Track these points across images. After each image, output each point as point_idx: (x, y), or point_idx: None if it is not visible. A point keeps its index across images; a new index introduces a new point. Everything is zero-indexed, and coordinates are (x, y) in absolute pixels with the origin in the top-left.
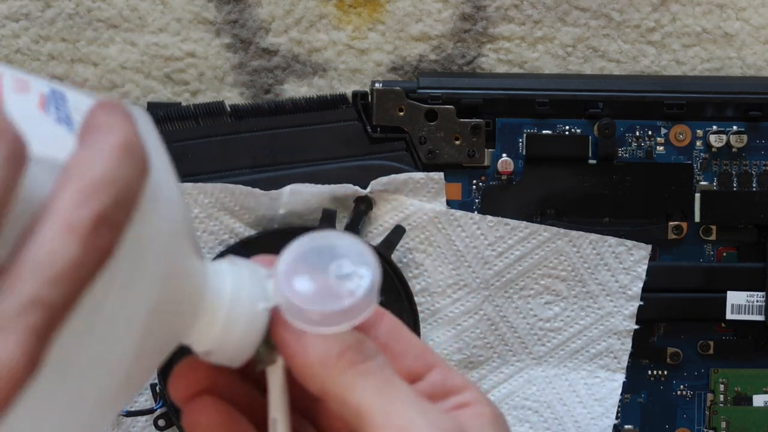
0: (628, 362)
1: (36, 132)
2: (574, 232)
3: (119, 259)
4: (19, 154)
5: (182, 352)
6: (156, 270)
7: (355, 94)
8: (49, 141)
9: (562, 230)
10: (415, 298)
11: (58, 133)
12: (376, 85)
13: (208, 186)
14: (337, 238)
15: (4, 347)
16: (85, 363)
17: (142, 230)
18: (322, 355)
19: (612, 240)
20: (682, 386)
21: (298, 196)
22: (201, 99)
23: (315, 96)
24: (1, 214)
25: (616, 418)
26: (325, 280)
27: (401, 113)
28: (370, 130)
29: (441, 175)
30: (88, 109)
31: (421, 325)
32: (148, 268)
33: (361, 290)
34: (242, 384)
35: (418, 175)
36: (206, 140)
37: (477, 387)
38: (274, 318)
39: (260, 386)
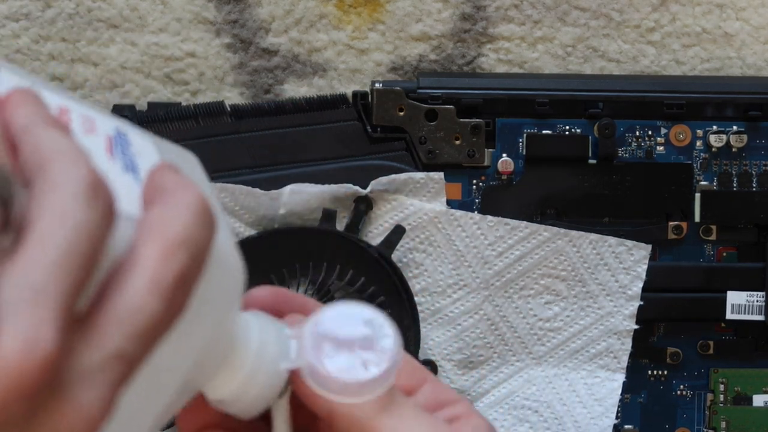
0: (628, 362)
1: (109, 183)
2: (574, 232)
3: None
4: (110, 213)
5: None
6: (208, 326)
7: (355, 94)
8: (122, 193)
9: (562, 230)
10: (415, 298)
11: (127, 184)
12: (376, 85)
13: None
14: (361, 310)
15: (86, 398)
16: (128, 409)
17: (204, 289)
18: None
19: (612, 240)
20: (682, 386)
21: (298, 196)
22: (201, 99)
23: (315, 96)
24: (91, 270)
25: (616, 418)
26: (349, 350)
27: (401, 113)
28: (370, 130)
29: (441, 175)
30: (152, 168)
31: (422, 325)
32: (203, 323)
33: (384, 365)
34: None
35: (418, 175)
36: (206, 140)
37: (467, 400)
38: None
39: (263, 415)
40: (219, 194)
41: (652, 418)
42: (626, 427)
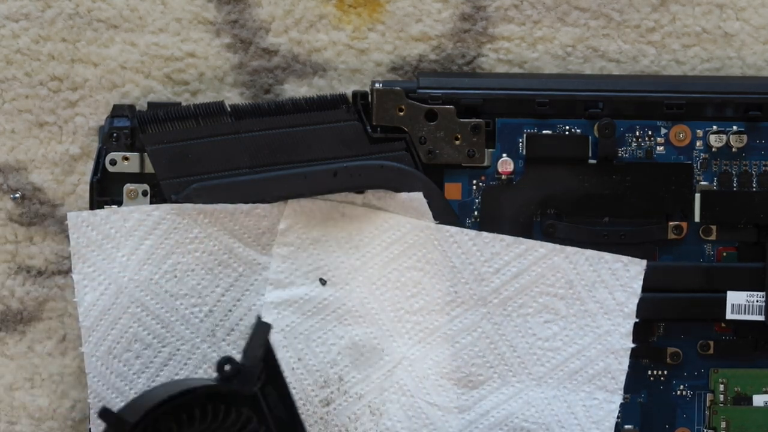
0: (629, 362)
1: None
2: (569, 249)
3: None
4: None
5: None
6: None
7: (355, 94)
8: None
9: (558, 246)
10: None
11: None
12: (376, 85)
13: (208, 207)
14: None
15: None
16: None
17: None
18: None
19: (608, 256)
20: (682, 386)
21: (300, 208)
22: (201, 99)
23: (315, 96)
24: None
25: (617, 417)
26: None
27: (401, 113)
28: (370, 130)
29: (419, 194)
30: None
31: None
32: None
33: None
34: None
35: (402, 196)
36: (206, 140)
37: None
38: None
39: None
40: (219, 214)
41: (652, 418)
42: (626, 427)
